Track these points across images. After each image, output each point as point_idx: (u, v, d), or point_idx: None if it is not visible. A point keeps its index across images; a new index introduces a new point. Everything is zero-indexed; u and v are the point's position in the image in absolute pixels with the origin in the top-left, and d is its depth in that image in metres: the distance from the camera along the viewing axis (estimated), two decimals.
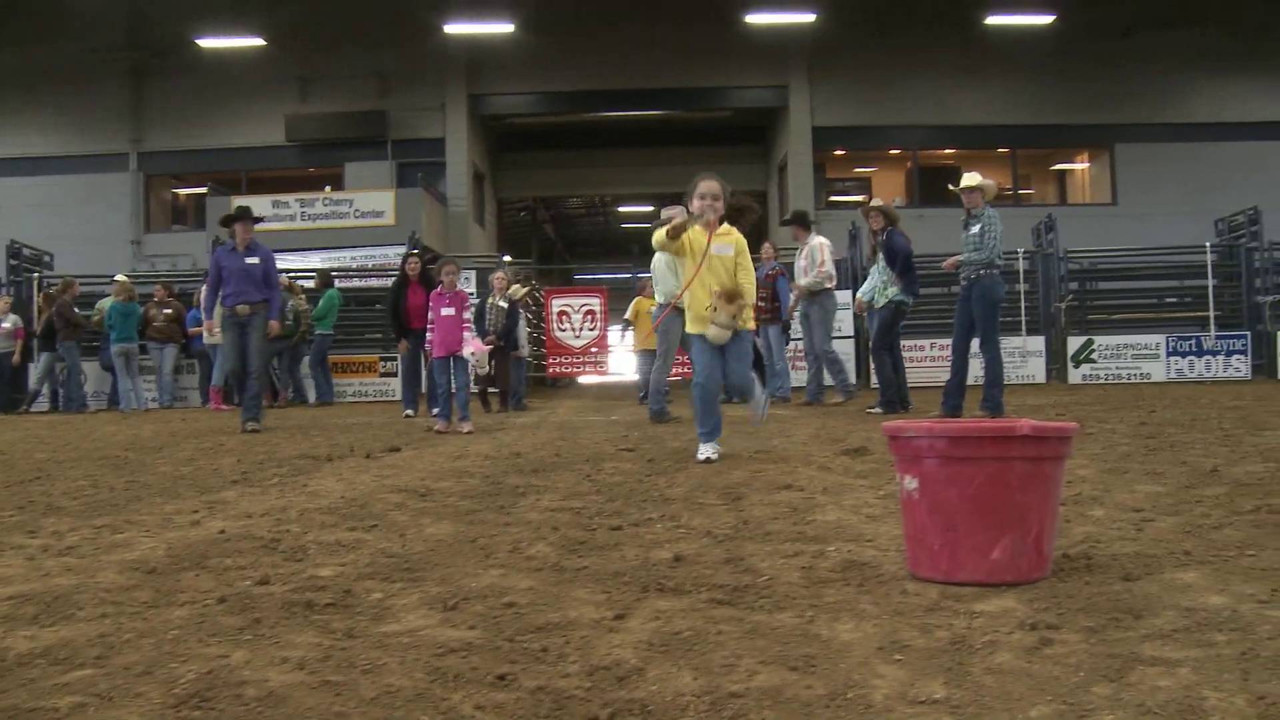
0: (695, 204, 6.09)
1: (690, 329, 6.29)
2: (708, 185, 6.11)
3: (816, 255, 12.61)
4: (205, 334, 15.03)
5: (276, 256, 21.43)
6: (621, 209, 38.17)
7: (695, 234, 6.10)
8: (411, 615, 2.52)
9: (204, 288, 12.22)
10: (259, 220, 11.51)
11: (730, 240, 6.24)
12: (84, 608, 2.62)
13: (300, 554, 3.37)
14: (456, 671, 2.03)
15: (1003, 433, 2.74)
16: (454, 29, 25.47)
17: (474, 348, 9.98)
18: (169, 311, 17.46)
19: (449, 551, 3.37)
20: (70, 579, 3.00)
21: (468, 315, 10.04)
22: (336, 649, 2.20)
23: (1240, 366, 18.31)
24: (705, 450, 6.06)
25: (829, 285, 12.70)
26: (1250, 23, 26.04)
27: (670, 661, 2.07)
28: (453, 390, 10.01)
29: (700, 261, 6.07)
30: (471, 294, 18.00)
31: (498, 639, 2.27)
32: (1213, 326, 18.74)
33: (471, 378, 10.75)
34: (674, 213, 6.19)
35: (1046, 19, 25.88)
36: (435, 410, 10.25)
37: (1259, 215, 19.77)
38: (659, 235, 6.18)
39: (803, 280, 12.72)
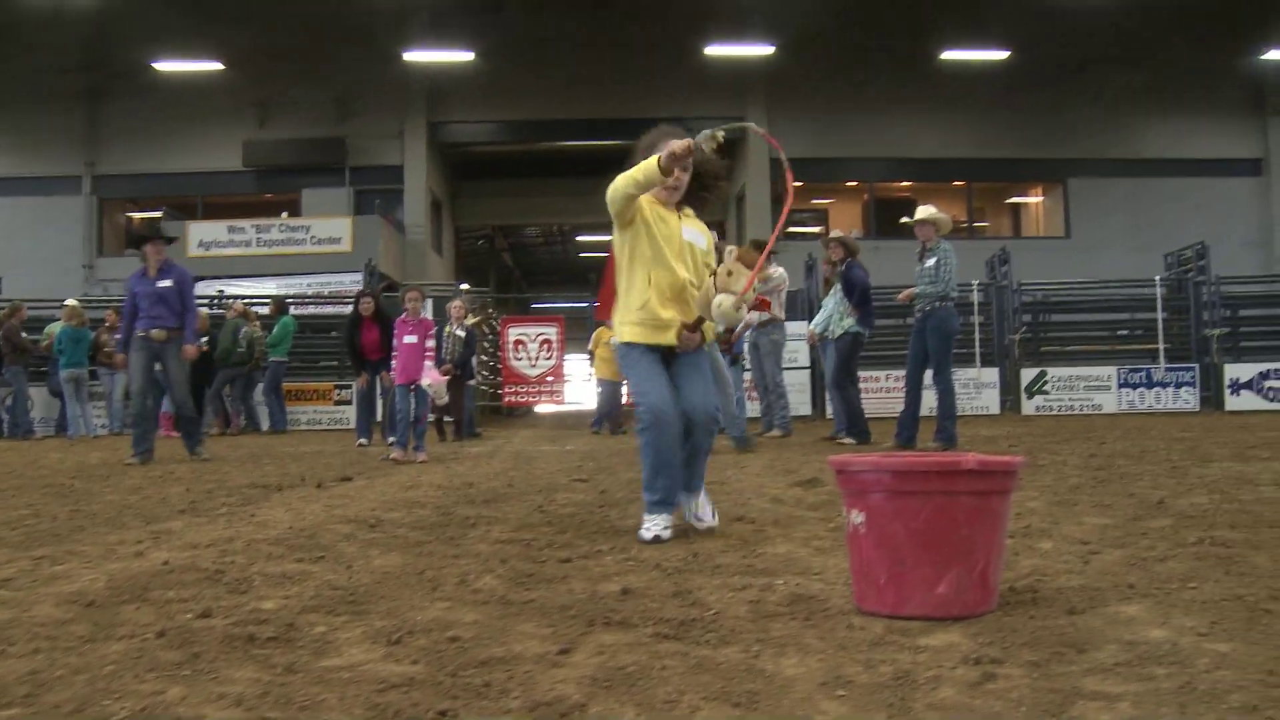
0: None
1: (635, 337, 4.39)
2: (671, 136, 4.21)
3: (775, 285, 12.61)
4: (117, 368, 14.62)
5: (232, 282, 21.44)
6: (580, 238, 38.21)
7: (656, 208, 4.40)
8: (354, 649, 2.48)
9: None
10: (171, 240, 11.00)
11: (700, 228, 4.63)
12: (16, 643, 2.56)
13: (244, 586, 3.32)
14: (397, 708, 2.00)
15: (948, 467, 2.76)
16: (414, 57, 25.47)
17: (431, 379, 9.88)
18: (120, 337, 17.23)
19: (396, 584, 3.34)
20: (4, 613, 2.94)
21: (430, 344, 10.02)
22: (276, 685, 2.17)
23: (1189, 398, 18.57)
24: (654, 525, 4.21)
25: (780, 317, 12.68)
26: (1196, 62, 26.57)
27: (613, 697, 2.06)
28: (412, 419, 9.87)
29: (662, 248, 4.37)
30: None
31: (440, 674, 2.24)
32: (1162, 359, 19.00)
33: (428, 407, 10.59)
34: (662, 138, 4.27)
35: (1001, 55, 26.28)
36: (392, 439, 10.10)
37: (1206, 250, 20.11)
38: (646, 170, 4.08)
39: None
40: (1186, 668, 2.18)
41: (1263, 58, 26.47)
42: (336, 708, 2.02)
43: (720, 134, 4.26)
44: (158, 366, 10.32)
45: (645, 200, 4.31)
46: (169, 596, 3.15)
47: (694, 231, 4.54)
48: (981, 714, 1.92)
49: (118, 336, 16.95)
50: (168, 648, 2.49)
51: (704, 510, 4.45)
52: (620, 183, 4.15)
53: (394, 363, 9.99)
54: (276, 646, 2.52)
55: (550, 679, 2.19)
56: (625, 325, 4.40)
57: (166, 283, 10.06)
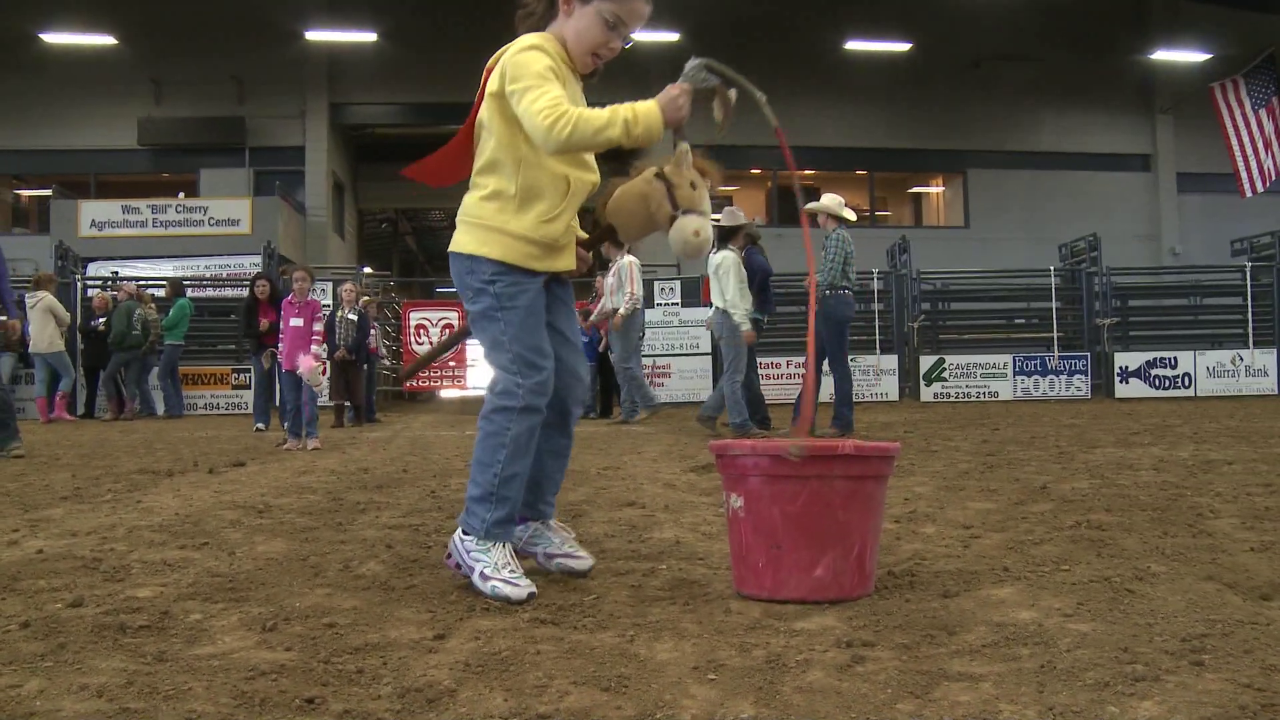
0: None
1: (523, 260, 3.03)
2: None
3: (625, 274, 12.67)
4: None
5: (127, 264, 20.91)
6: None
7: (570, 77, 3.05)
8: (228, 637, 2.45)
9: None
10: None
11: None
12: None
13: (122, 574, 3.26)
14: (264, 695, 1.98)
15: (825, 452, 2.79)
16: (315, 36, 25.04)
17: (304, 366, 9.40)
18: (3, 318, 16.71)
19: (278, 570, 3.30)
20: None
21: (318, 326, 9.65)
22: (141, 674, 2.13)
23: (1081, 386, 19.05)
24: (507, 570, 2.89)
25: (637, 307, 12.76)
26: (1088, 61, 27.32)
27: (484, 683, 2.06)
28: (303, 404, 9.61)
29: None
30: (326, 305, 17.77)
31: (312, 661, 2.22)
32: (1056, 347, 19.46)
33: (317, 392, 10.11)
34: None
35: (903, 47, 26.66)
36: (286, 424, 9.82)
37: (1098, 242, 20.63)
38: (647, 122, 2.87)
39: (615, 304, 12.69)
40: (1049, 648, 2.24)
41: (1151, 58, 27.22)
42: (202, 696, 1.99)
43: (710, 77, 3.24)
44: None
45: (562, 59, 3.02)
46: (39, 586, 3.07)
47: None
48: (848, 696, 1.96)
49: (1, 317, 16.57)
50: (31, 639, 2.43)
51: (573, 543, 3.23)
52: (591, 130, 2.81)
53: (281, 346, 9.68)
54: (148, 635, 2.47)
55: (424, 665, 2.19)
56: (503, 238, 2.99)
57: None
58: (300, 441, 9.46)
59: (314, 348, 9.50)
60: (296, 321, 9.49)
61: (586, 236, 3.30)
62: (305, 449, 9.26)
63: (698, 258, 3.23)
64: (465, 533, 2.98)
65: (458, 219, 3.11)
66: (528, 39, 3.01)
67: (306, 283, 9.77)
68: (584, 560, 3.16)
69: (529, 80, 2.87)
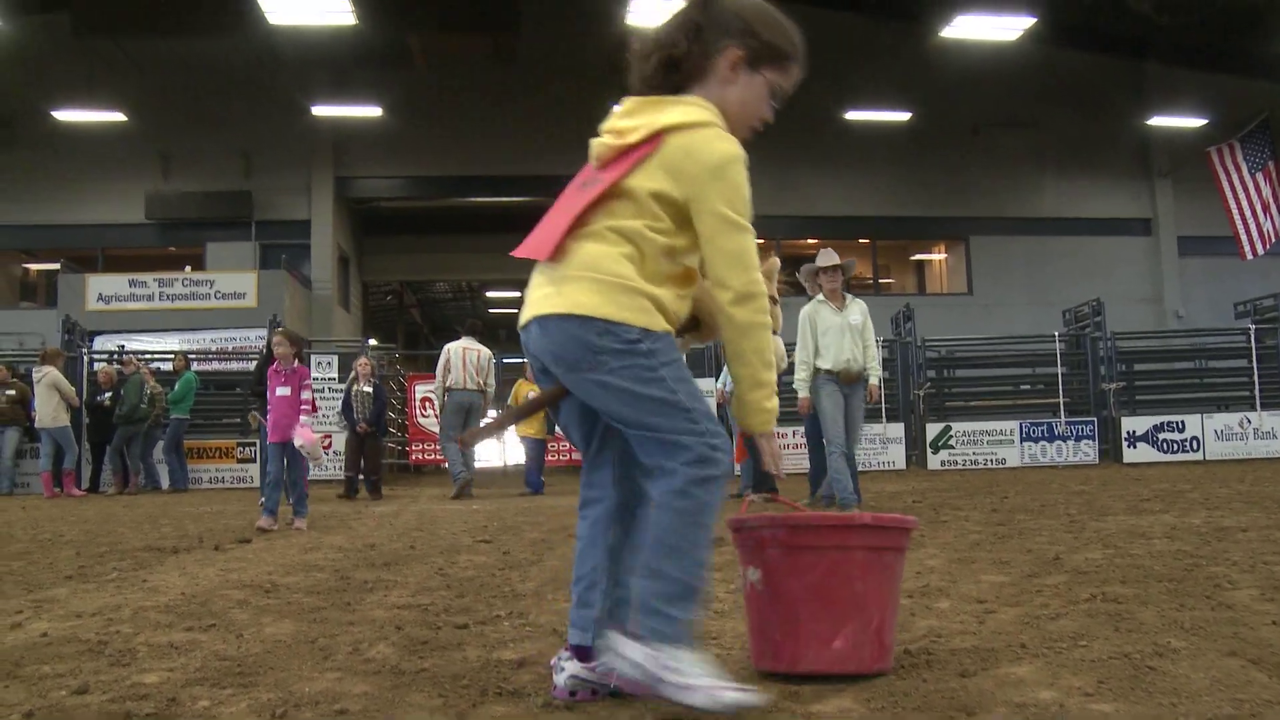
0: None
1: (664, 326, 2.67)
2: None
3: None
4: None
5: (133, 337, 20.98)
6: (489, 294, 38.09)
7: None
8: None
9: None
10: None
11: None
12: None
13: (128, 658, 3.22)
14: None
15: (843, 522, 2.78)
16: (321, 111, 25.31)
17: (304, 437, 8.77)
18: (11, 393, 16.74)
19: (286, 653, 3.26)
20: None
21: (305, 395, 8.95)
22: None
23: (1089, 451, 18.97)
24: (714, 677, 2.43)
25: None
26: (1086, 127, 27.58)
27: None
28: (290, 481, 9.01)
29: None
30: (331, 378, 17.82)
31: None
32: (1062, 413, 19.41)
33: (305, 468, 9.32)
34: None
35: (903, 116, 26.91)
36: (263, 500, 8.92)
37: (1101, 306, 20.67)
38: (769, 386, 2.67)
39: None
40: None
41: (1148, 123, 27.47)
42: None
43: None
44: None
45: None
46: (44, 672, 3.03)
47: None
48: None
49: (9, 392, 16.61)
50: None
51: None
52: (763, 361, 2.61)
53: (267, 416, 9.17)
54: None
55: None
56: (645, 300, 2.56)
57: None
58: (274, 520, 8.59)
59: (303, 419, 8.87)
60: (283, 390, 8.92)
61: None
62: (292, 529, 8.53)
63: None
64: (658, 642, 2.41)
65: (569, 273, 2.58)
66: (712, 121, 2.60)
67: (285, 348, 9.07)
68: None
69: (745, 217, 2.55)
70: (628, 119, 2.65)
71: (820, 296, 9.45)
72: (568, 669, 2.59)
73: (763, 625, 2.80)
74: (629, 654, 2.41)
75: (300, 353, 9.34)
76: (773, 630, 2.77)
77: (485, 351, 14.28)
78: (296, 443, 8.76)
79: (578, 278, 2.54)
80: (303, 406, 8.89)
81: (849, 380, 9.24)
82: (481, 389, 14.08)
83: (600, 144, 2.69)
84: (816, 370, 9.30)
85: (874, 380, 9.56)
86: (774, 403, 2.63)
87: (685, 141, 2.55)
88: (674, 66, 2.65)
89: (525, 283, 2.80)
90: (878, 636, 2.76)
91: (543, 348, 2.60)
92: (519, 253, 2.68)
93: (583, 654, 2.58)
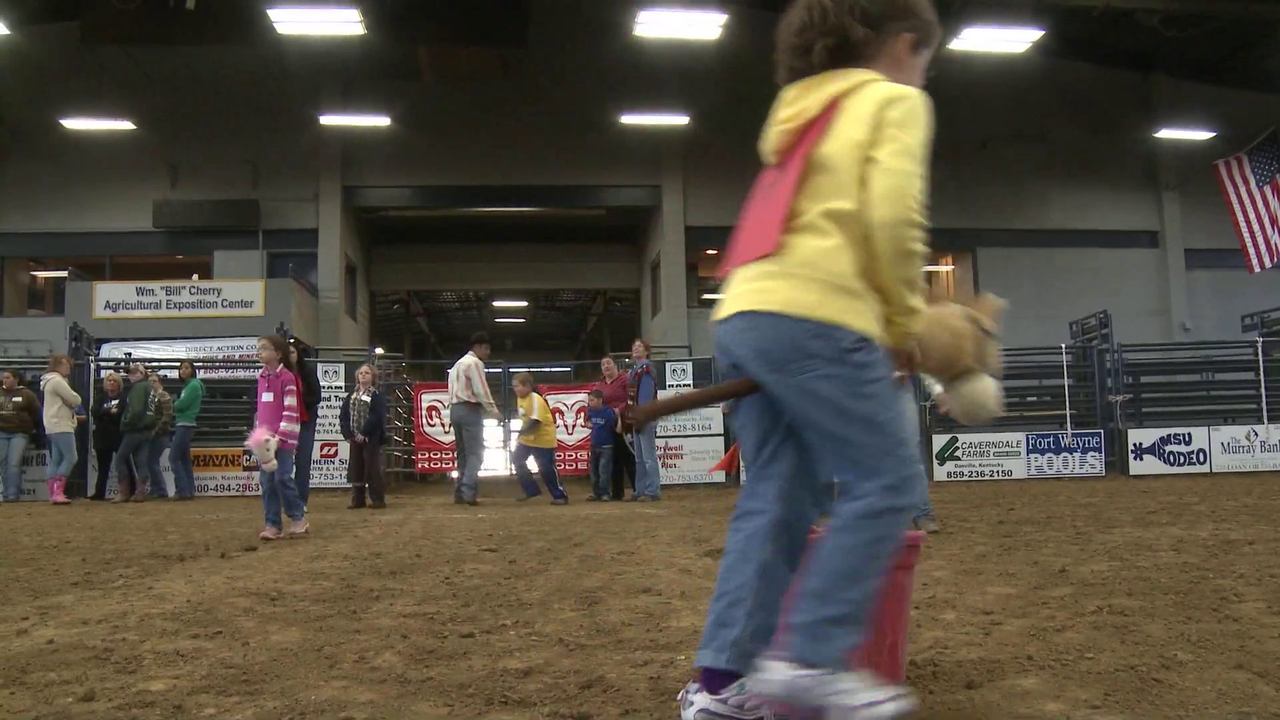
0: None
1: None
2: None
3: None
4: None
5: (140, 345, 21.01)
6: (496, 304, 38.16)
7: None
8: None
9: None
10: None
11: None
12: None
13: (134, 665, 3.22)
14: None
15: None
16: (329, 121, 25.37)
17: (254, 440, 8.57)
18: (19, 400, 16.75)
19: (293, 661, 3.26)
20: None
21: (289, 400, 8.70)
22: None
23: (1095, 463, 18.93)
24: (890, 702, 2.32)
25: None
26: (1093, 140, 27.59)
27: None
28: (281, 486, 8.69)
29: None
30: (338, 386, 17.84)
31: None
32: (1069, 425, 19.38)
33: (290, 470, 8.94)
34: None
35: None
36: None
37: (1109, 319, 20.64)
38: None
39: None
40: None
41: (1156, 135, 27.45)
42: None
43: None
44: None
45: None
46: (50, 679, 3.03)
47: None
48: None
49: (16, 399, 16.64)
50: None
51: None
52: (917, 265, 2.57)
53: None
54: None
55: None
56: (862, 305, 2.47)
57: None
58: (277, 530, 8.55)
59: (284, 424, 8.62)
60: (268, 396, 8.73)
61: None
62: (293, 534, 8.60)
63: (975, 424, 3.06)
64: (812, 663, 2.28)
65: (785, 269, 2.45)
66: (882, 79, 2.58)
67: (269, 352, 8.88)
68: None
69: (921, 145, 2.55)
70: (797, 102, 2.59)
71: None
72: (697, 702, 2.42)
73: None
74: (786, 678, 2.28)
75: (289, 358, 9.09)
76: None
77: (463, 361, 14.47)
78: (249, 442, 8.63)
79: (794, 275, 2.43)
80: (285, 412, 8.67)
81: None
82: (463, 400, 14.26)
83: (775, 134, 2.63)
84: None
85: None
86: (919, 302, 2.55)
87: (864, 92, 2.51)
88: (842, 54, 2.57)
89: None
90: (892, 654, 2.76)
91: (745, 342, 2.48)
92: (730, 265, 2.59)
93: (713, 682, 2.42)
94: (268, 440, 8.49)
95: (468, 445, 14.50)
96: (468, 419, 14.42)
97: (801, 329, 2.39)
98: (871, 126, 2.45)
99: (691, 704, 2.42)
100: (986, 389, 2.85)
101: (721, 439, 18.15)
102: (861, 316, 2.42)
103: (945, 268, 31.50)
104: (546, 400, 15.14)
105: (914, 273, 2.50)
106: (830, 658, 2.28)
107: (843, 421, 2.39)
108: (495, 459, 17.75)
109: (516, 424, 15.36)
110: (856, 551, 2.34)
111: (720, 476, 17.34)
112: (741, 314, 2.48)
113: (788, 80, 2.63)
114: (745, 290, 2.49)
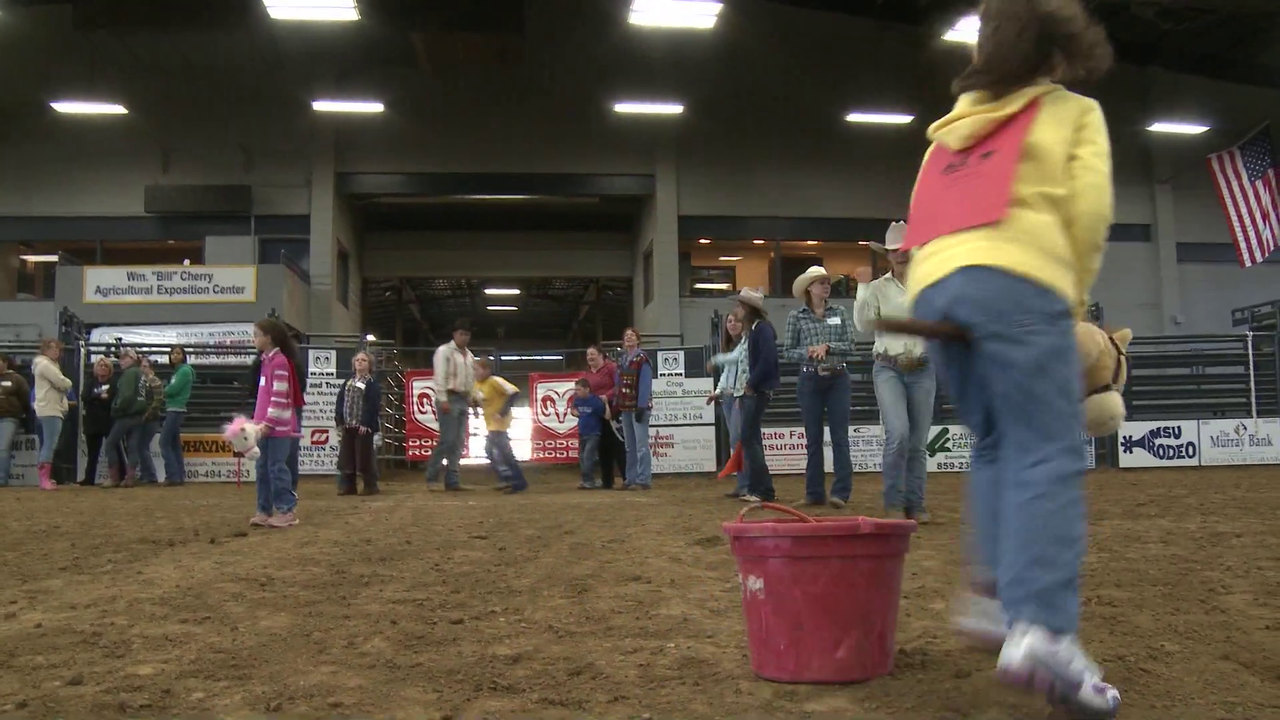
0: None
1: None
2: None
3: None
4: None
5: (131, 330, 20.95)
6: (488, 291, 38.09)
7: None
8: (231, 717, 2.41)
9: None
10: None
11: None
12: None
13: (122, 650, 3.21)
14: None
15: (846, 531, 2.77)
16: (322, 107, 25.28)
17: (230, 431, 8.29)
18: (8, 384, 16.68)
19: (282, 646, 3.25)
20: None
21: (279, 385, 8.48)
22: None
23: (1086, 455, 19.00)
24: (1092, 669, 2.38)
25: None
26: None
27: None
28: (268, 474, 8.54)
29: None
30: (329, 373, 17.82)
31: None
32: None
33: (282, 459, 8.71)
34: None
35: (906, 119, 26.90)
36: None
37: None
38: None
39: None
40: None
41: (1149, 129, 27.48)
42: None
43: None
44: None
45: None
46: (38, 662, 3.03)
47: None
48: None
49: (5, 384, 16.57)
50: None
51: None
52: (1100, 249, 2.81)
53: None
54: (149, 716, 2.44)
55: None
56: (1074, 285, 2.72)
57: None
58: (264, 517, 8.40)
59: (271, 410, 8.41)
60: (264, 381, 8.58)
61: None
62: (277, 525, 8.22)
63: (1102, 434, 3.30)
64: (1057, 631, 2.35)
65: (1009, 235, 2.65)
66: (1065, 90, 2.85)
67: (261, 336, 8.79)
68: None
69: (1108, 156, 2.84)
70: (990, 102, 2.84)
71: (889, 275, 8.58)
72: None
73: (765, 634, 2.79)
74: (1031, 649, 2.33)
75: (286, 341, 8.85)
76: (776, 639, 2.76)
77: (439, 349, 14.96)
78: (227, 432, 8.34)
79: (1020, 240, 2.64)
80: (273, 398, 8.45)
81: (910, 368, 8.23)
82: (445, 390, 14.54)
83: (975, 121, 2.85)
84: (876, 354, 8.42)
85: None
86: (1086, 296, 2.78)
87: (1060, 96, 2.80)
88: (1024, 74, 2.82)
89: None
90: (880, 643, 2.78)
91: (964, 295, 2.65)
92: (933, 234, 2.82)
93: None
94: (244, 430, 8.25)
95: (442, 431, 14.84)
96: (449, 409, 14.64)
97: (1026, 286, 2.58)
98: (1074, 128, 2.74)
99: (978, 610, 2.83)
100: (1118, 404, 3.21)
101: (712, 429, 18.15)
102: (1073, 289, 2.66)
103: None
104: (503, 383, 14.96)
105: (1097, 265, 2.76)
106: (1061, 626, 2.36)
107: (1040, 379, 2.57)
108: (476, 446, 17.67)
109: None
110: (1060, 514, 2.50)
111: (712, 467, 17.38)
112: (966, 268, 2.66)
113: (973, 88, 2.95)
114: (961, 250, 2.69)
